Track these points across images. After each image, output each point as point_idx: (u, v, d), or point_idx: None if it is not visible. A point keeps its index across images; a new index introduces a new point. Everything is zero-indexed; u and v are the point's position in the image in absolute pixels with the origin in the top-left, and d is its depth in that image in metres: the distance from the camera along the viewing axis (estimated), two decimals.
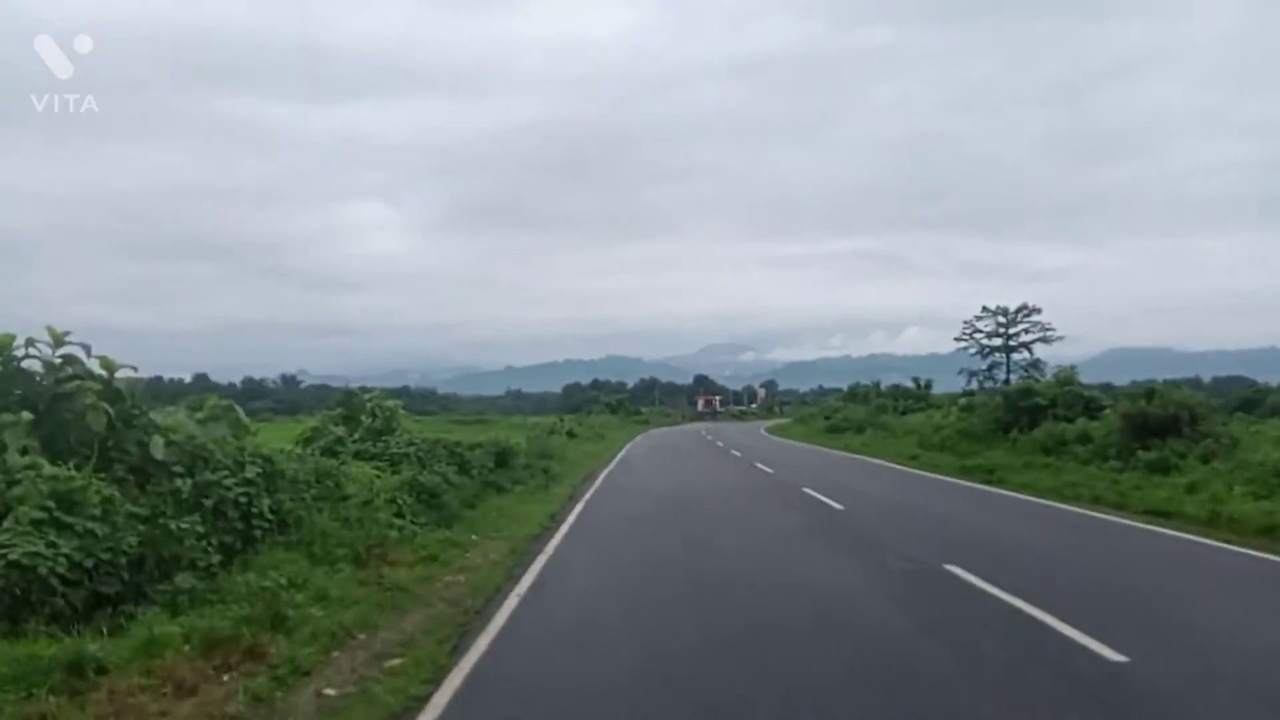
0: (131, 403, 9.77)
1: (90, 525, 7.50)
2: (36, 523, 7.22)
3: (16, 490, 7.58)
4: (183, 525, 8.48)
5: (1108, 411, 28.70)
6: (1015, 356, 69.87)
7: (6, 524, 7.22)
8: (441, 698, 6.02)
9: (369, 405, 22.57)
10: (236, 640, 6.76)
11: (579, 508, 16.99)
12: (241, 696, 5.89)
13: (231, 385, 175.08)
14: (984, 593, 8.73)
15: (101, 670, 6.09)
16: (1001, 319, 70.49)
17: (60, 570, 7.06)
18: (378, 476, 14.89)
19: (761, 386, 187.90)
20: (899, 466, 28.81)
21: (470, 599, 9.06)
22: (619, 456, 36.38)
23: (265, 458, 10.54)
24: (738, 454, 36.57)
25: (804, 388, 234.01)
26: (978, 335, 71.48)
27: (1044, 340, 69.62)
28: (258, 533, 9.65)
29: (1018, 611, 7.89)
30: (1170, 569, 10.70)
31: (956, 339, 72.46)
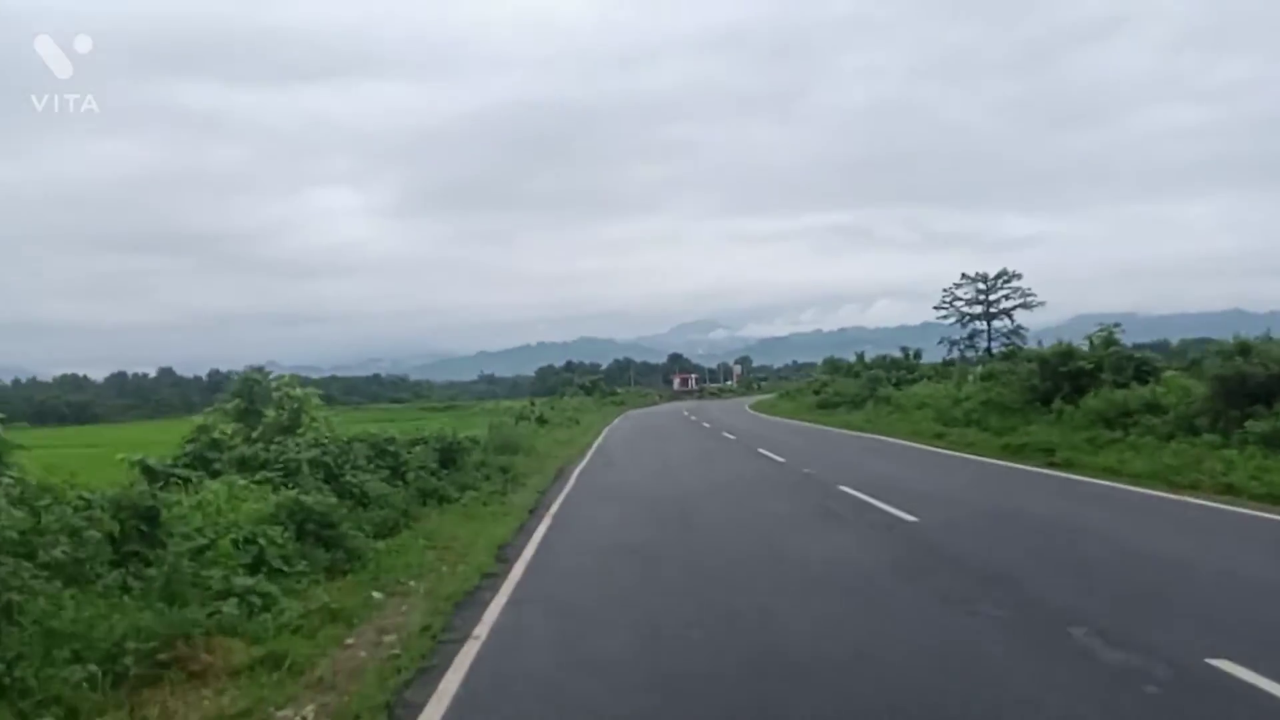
0: None
1: None
2: None
3: None
4: None
5: (1170, 375, 24.60)
6: (996, 324, 68.16)
7: None
8: None
9: (276, 394, 17.76)
10: None
11: (543, 529, 12.17)
12: None
13: (197, 378, 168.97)
14: None
15: None
16: (981, 285, 68.72)
17: None
18: (243, 501, 10.14)
19: (737, 363, 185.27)
20: (927, 447, 24.38)
21: None
22: (596, 445, 31.63)
23: None
24: (731, 437, 31.98)
25: (777, 363, 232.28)
26: (957, 303, 69.57)
27: (1025, 306, 67.92)
28: None
29: None
30: None
31: (936, 307, 70.51)
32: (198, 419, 16.88)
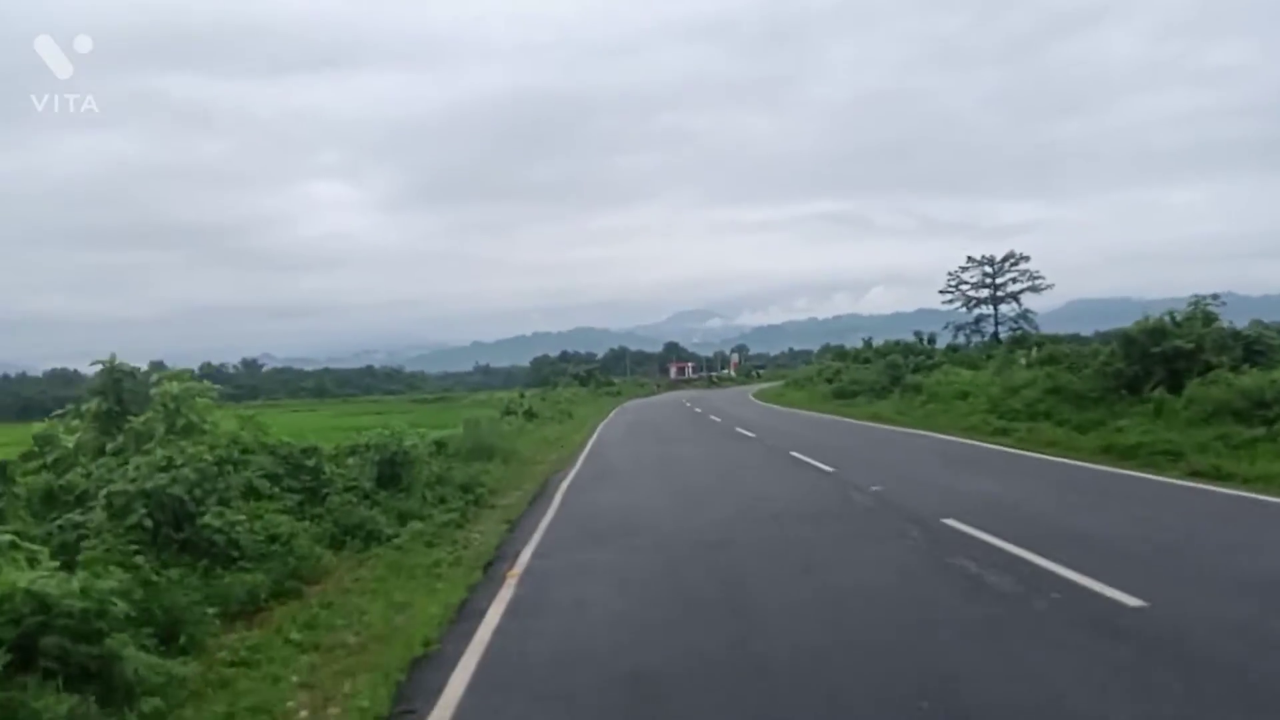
0: None
1: None
2: None
3: None
4: None
5: None
6: (1003, 308, 65.91)
7: None
8: None
9: (156, 394, 13.08)
10: None
11: (495, 615, 7.30)
12: None
13: (190, 371, 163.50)
14: None
15: None
16: (989, 269, 66.15)
17: None
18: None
19: (734, 351, 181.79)
20: (996, 447, 19.81)
21: None
22: (590, 446, 26.88)
23: None
24: (749, 434, 27.27)
25: (773, 351, 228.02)
26: (963, 287, 67.01)
27: (1033, 290, 65.39)
28: None
29: None
30: None
31: (941, 291, 68.12)
32: (38, 426, 12.26)
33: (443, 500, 13.50)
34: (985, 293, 66.50)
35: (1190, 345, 20.61)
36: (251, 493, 10.76)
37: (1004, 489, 12.84)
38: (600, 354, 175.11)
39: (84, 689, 5.12)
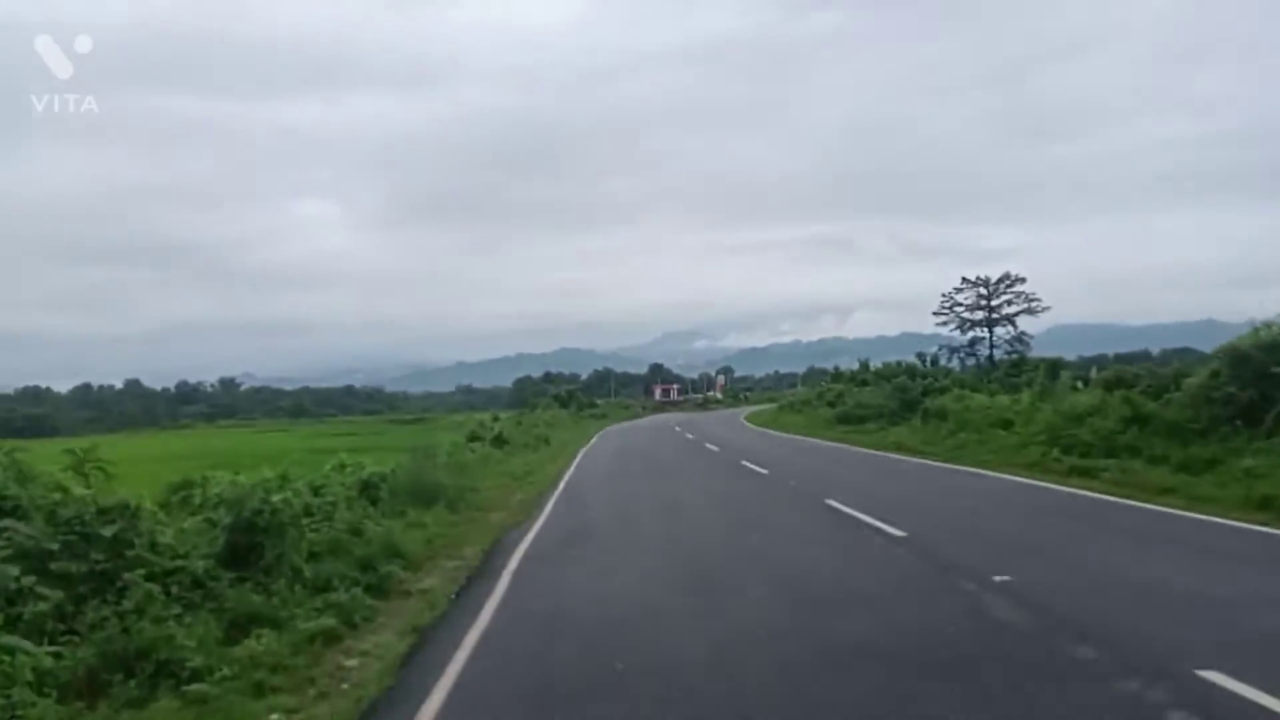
0: None
1: None
2: None
3: None
4: None
5: None
6: (998, 331, 64.36)
7: None
8: None
9: None
10: None
11: None
12: None
13: (165, 390, 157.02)
14: None
15: None
16: (984, 291, 64.41)
17: None
18: None
19: (719, 373, 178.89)
20: (1110, 498, 14.99)
21: None
22: (563, 485, 21.86)
23: None
24: (762, 471, 22.47)
25: (759, 373, 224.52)
26: (958, 309, 65.13)
27: (1029, 311, 63.66)
28: None
29: None
30: None
31: (935, 313, 66.41)
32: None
33: (324, 587, 8.77)
34: (980, 315, 64.70)
35: None
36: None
37: (1216, 587, 8.07)
38: (585, 375, 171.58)
39: None
